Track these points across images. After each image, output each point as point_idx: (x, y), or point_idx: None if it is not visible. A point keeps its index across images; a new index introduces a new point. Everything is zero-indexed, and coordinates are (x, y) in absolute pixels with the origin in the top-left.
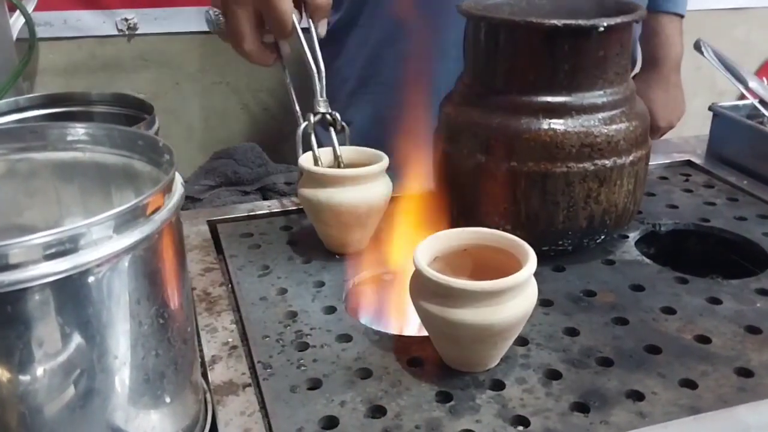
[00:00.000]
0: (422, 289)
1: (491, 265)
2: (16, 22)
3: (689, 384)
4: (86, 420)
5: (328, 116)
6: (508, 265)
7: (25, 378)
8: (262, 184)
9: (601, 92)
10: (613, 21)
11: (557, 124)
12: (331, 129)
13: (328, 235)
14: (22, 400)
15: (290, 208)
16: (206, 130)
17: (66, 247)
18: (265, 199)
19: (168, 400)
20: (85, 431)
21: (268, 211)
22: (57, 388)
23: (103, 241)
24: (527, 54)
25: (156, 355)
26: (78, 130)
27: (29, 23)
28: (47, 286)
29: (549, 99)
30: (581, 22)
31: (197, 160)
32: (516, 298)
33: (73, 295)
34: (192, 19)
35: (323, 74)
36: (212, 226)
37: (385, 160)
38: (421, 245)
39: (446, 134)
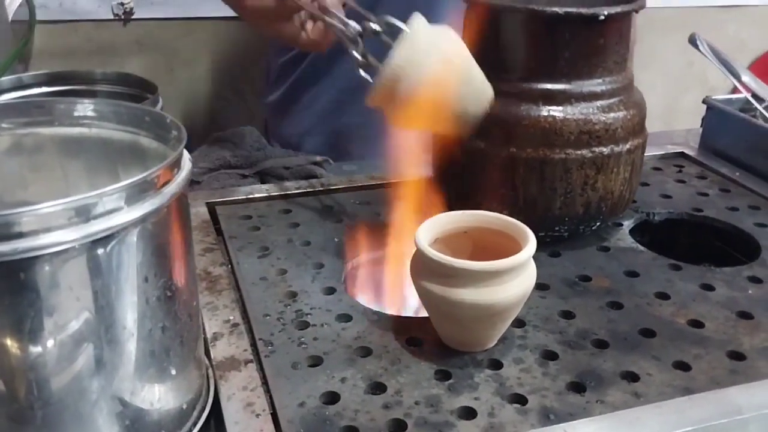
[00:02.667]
0: (423, 269)
1: (491, 247)
2: (12, 3)
3: (683, 366)
4: (93, 390)
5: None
6: (508, 247)
7: (35, 347)
8: (260, 167)
9: (600, 80)
10: (613, 10)
11: (556, 111)
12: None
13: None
14: (32, 369)
15: (289, 192)
16: (201, 116)
17: (77, 217)
18: (263, 182)
19: (173, 372)
20: (93, 401)
21: (266, 194)
22: (66, 357)
23: (114, 212)
24: (528, 41)
25: (163, 328)
26: (85, 106)
27: (29, 2)
28: (59, 254)
29: (548, 86)
30: (582, 10)
31: (192, 145)
32: (516, 278)
33: (84, 265)
34: (188, 5)
35: None
36: (211, 208)
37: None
38: (422, 226)
39: None
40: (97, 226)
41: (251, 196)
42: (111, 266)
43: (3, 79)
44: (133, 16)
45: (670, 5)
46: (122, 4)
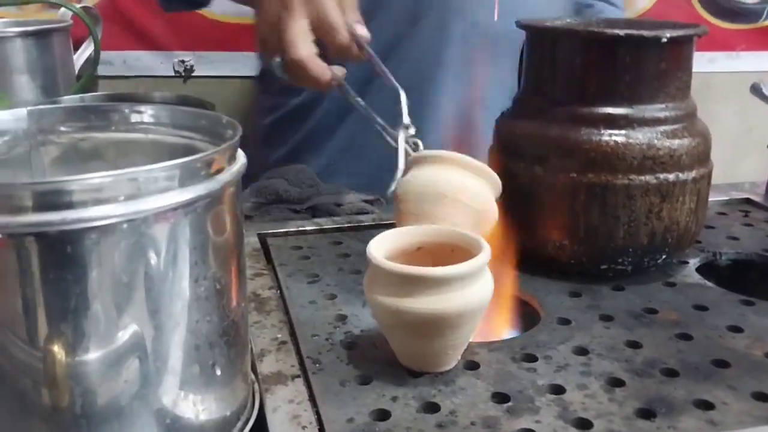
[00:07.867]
0: (375, 281)
1: (449, 262)
2: (79, 58)
3: (763, 397)
4: (134, 374)
5: (411, 143)
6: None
7: (78, 324)
8: (312, 203)
9: (663, 106)
10: (675, 33)
11: (618, 136)
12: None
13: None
14: (74, 349)
15: (341, 225)
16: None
17: (129, 191)
18: (314, 217)
19: (218, 372)
20: (133, 387)
21: (318, 227)
22: (109, 339)
23: (166, 191)
24: (588, 64)
25: (209, 322)
26: (141, 112)
27: (96, 51)
28: (107, 228)
29: (610, 110)
30: (644, 32)
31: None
32: (467, 287)
33: (133, 242)
34: (247, 64)
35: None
36: (262, 238)
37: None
38: (374, 241)
39: (503, 147)
40: (148, 204)
41: (302, 229)
42: (159, 246)
43: (65, 97)
44: (194, 74)
45: (726, 70)
46: (183, 61)
